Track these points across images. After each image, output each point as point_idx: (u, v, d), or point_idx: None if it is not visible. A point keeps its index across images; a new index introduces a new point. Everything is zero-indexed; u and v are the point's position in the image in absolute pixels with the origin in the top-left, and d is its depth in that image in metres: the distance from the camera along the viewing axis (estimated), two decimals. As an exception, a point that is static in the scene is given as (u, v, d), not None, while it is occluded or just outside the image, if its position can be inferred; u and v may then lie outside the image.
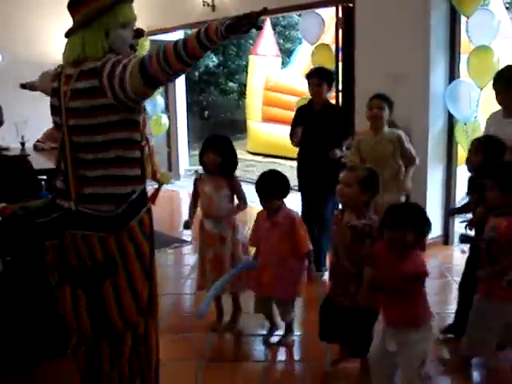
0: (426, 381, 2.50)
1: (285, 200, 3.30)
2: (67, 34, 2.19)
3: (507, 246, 2.68)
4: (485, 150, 3.19)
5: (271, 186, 3.28)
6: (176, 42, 1.90)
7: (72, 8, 2.17)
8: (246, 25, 1.82)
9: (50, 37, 7.51)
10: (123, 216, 2.11)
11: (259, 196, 3.28)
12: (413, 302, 2.46)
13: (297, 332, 3.53)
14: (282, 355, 3.37)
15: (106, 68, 2.01)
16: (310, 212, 4.49)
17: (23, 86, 3.18)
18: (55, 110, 2.21)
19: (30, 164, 3.26)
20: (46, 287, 2.92)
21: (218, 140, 3.54)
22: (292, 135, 4.64)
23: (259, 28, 1.89)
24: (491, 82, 3.55)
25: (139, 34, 2.24)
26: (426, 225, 2.48)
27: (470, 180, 3.34)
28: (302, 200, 4.67)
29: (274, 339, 3.48)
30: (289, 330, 3.47)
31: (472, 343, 2.91)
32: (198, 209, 3.63)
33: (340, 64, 5.78)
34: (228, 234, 3.49)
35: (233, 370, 3.17)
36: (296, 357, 3.38)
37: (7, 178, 3.15)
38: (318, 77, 4.49)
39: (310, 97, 4.62)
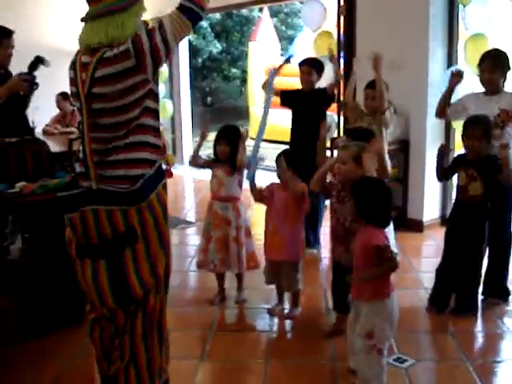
0: (373, 354, 2.57)
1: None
2: (93, 17, 2.18)
3: None
4: (486, 133, 3.38)
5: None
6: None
7: None
8: None
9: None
10: (143, 190, 2.25)
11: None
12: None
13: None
14: (286, 326, 3.55)
15: (143, 40, 2.12)
16: None
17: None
18: (75, 97, 2.28)
19: (46, 146, 3.43)
20: (62, 261, 3.11)
21: (228, 131, 3.74)
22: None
23: None
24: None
25: (146, 24, 2.36)
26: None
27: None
28: None
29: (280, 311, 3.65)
30: (295, 303, 3.64)
31: None
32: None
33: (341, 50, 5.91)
34: (232, 219, 3.71)
35: (239, 339, 3.36)
36: (300, 326, 3.51)
37: (25, 159, 3.32)
38: (307, 65, 4.76)
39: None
